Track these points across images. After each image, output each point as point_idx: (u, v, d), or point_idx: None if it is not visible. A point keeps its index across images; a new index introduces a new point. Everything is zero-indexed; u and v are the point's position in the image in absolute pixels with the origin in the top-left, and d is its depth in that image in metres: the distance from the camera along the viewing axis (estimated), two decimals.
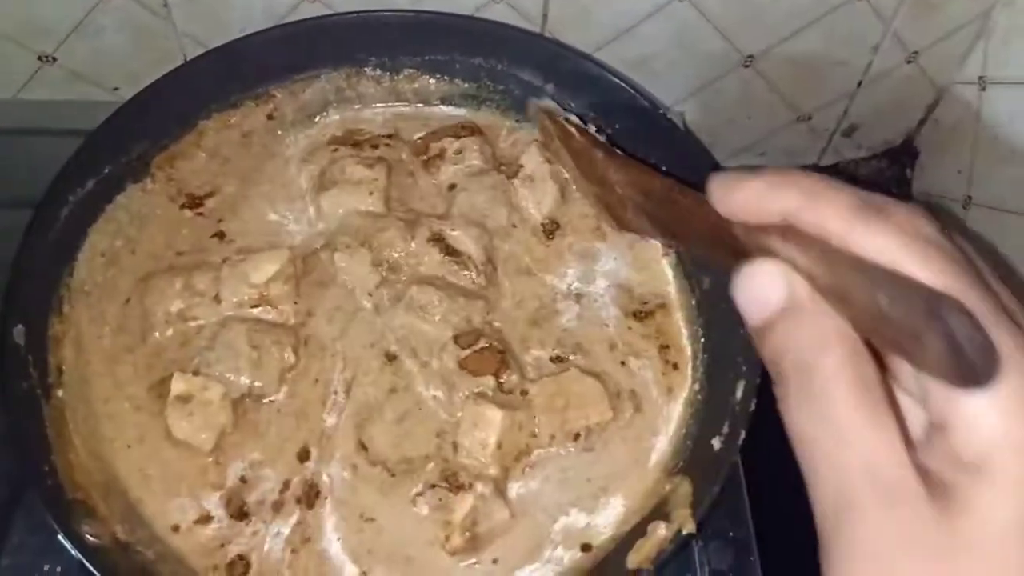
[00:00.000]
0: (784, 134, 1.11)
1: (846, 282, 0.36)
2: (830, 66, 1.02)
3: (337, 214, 0.83)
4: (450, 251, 0.82)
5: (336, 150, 0.87)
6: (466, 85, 0.90)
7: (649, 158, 0.85)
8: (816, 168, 1.15)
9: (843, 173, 1.15)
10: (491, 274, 0.83)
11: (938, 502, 0.32)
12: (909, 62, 1.02)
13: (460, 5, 0.92)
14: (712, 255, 0.45)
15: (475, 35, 0.87)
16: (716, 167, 0.81)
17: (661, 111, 0.83)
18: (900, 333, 0.34)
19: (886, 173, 1.15)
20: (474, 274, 0.81)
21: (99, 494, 0.69)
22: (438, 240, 0.82)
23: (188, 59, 0.97)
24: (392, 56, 0.89)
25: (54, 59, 0.97)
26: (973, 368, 0.32)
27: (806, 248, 0.38)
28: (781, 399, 0.37)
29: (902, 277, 0.35)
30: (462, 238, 0.82)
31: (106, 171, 0.81)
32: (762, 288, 0.37)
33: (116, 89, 1.01)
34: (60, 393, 0.73)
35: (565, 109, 0.80)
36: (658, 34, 0.97)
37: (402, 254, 0.82)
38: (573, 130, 0.74)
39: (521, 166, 0.86)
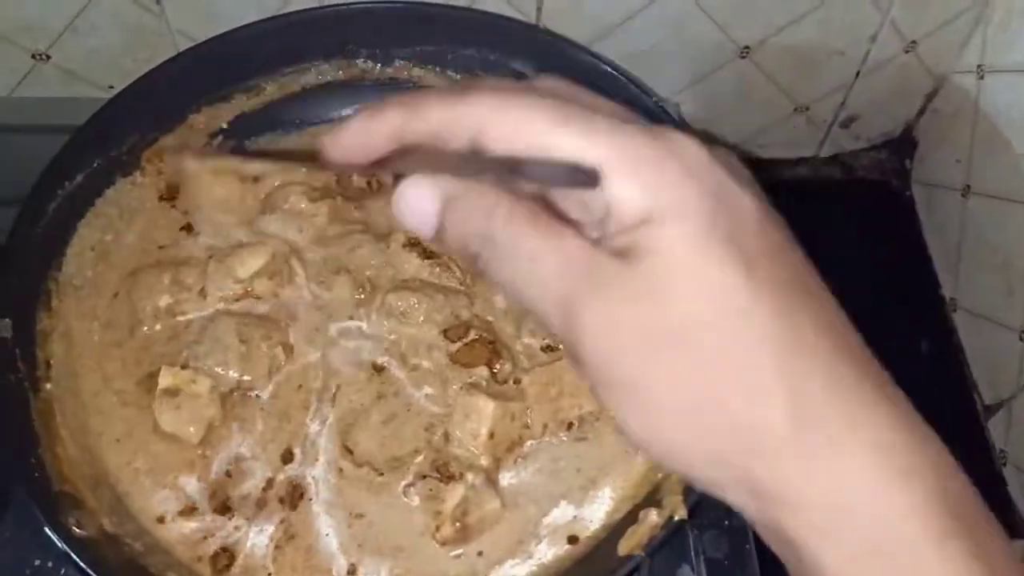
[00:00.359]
0: (782, 126, 1.10)
1: (459, 173, 0.38)
2: (827, 56, 1.02)
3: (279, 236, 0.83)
4: (428, 254, 0.81)
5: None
6: (459, 76, 0.90)
7: None
8: (815, 160, 1.14)
9: (843, 164, 1.15)
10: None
11: (629, 261, 0.35)
12: (907, 52, 1.02)
13: None
14: None
15: (467, 25, 0.87)
16: None
17: (655, 100, 0.83)
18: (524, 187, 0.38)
19: (885, 164, 1.14)
20: (459, 272, 0.81)
21: (87, 487, 0.69)
22: (414, 245, 0.81)
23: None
24: (384, 47, 0.89)
25: (48, 57, 0.97)
26: (581, 181, 0.35)
27: (422, 158, 0.39)
28: (488, 277, 0.39)
29: (486, 158, 0.37)
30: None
31: (95, 164, 0.81)
32: (418, 201, 0.39)
33: (111, 87, 1.01)
34: (48, 387, 0.73)
35: None
36: (653, 26, 0.96)
37: (379, 267, 0.81)
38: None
39: None
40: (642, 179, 0.35)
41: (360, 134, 0.40)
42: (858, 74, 1.04)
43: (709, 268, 0.35)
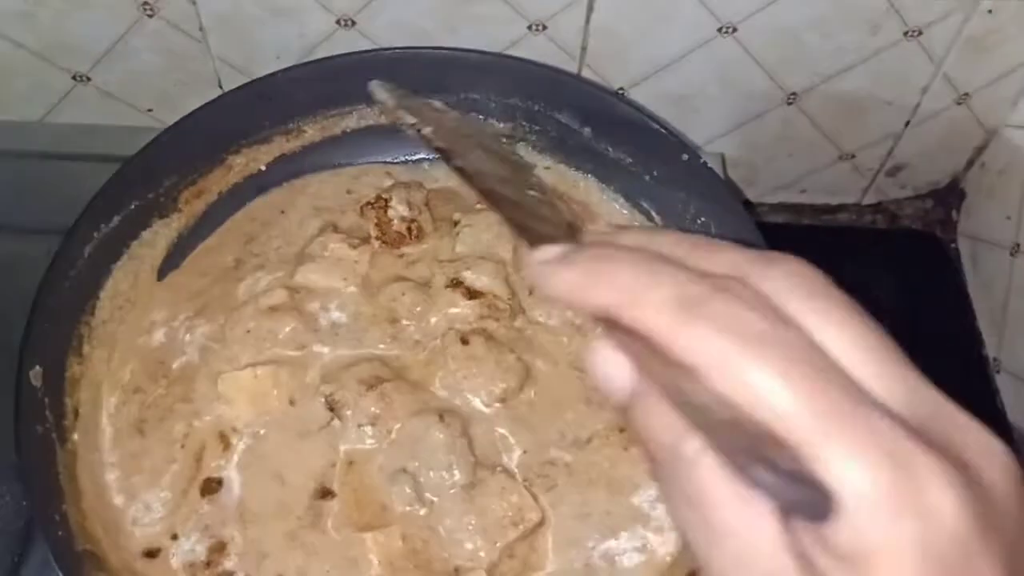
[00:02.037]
0: (826, 172, 1.08)
1: (675, 386, 0.33)
2: (876, 105, 0.99)
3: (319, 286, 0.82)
4: (472, 294, 0.80)
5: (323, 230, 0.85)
6: (501, 125, 0.89)
7: (688, 206, 0.84)
8: (858, 207, 1.12)
9: (886, 212, 1.12)
10: (517, 308, 0.81)
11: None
12: (959, 103, 0.99)
13: (499, 37, 0.90)
14: None
15: (512, 75, 0.86)
16: (750, 221, 0.79)
17: (701, 161, 0.81)
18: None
19: (931, 215, 1.12)
20: (506, 315, 0.79)
21: (108, 545, 0.68)
22: (456, 284, 0.80)
23: (221, 82, 0.96)
24: (427, 94, 0.87)
25: (88, 79, 0.97)
26: (810, 508, 0.31)
27: (636, 340, 0.35)
28: (658, 481, 0.35)
29: (725, 406, 0.32)
30: (479, 276, 0.80)
31: (133, 206, 0.80)
32: (607, 373, 0.36)
33: (149, 110, 1.01)
34: (75, 437, 0.72)
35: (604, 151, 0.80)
36: (699, 70, 0.95)
37: (421, 314, 0.80)
38: None
39: None
40: (872, 522, 0.31)
41: (576, 288, 0.36)
42: (907, 124, 1.02)
43: None
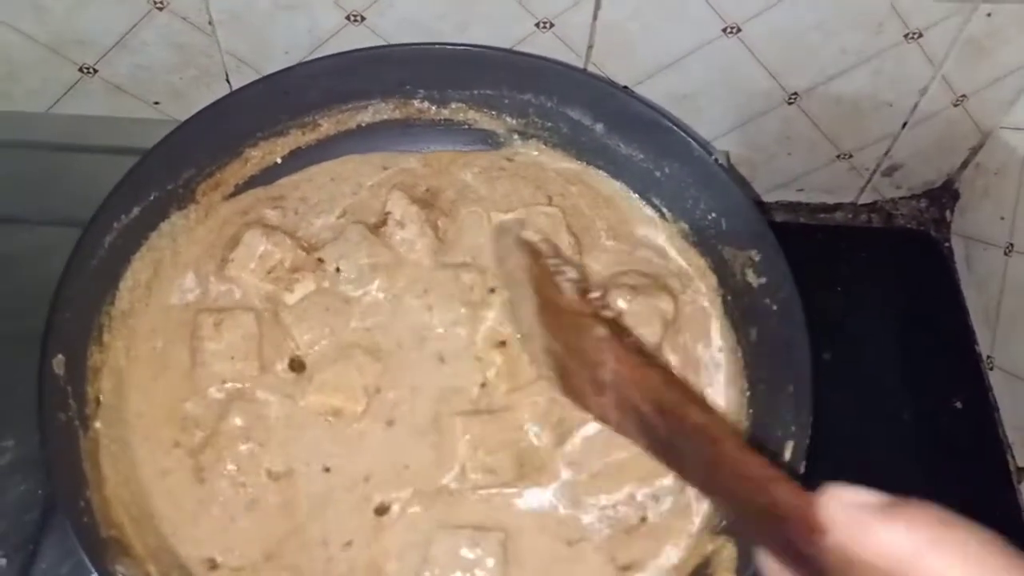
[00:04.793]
0: (824, 171, 1.10)
1: None
2: (876, 106, 1.01)
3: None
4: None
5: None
6: (513, 121, 0.90)
7: (698, 202, 0.85)
8: (854, 206, 1.14)
9: (882, 212, 1.14)
10: None
11: None
12: (956, 105, 1.01)
13: (507, 34, 0.91)
14: (728, 507, 0.44)
15: (525, 71, 0.87)
16: (761, 218, 0.80)
17: (713, 158, 0.82)
18: None
19: (926, 214, 1.14)
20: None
21: (133, 530, 0.68)
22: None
23: (229, 77, 0.97)
24: (441, 89, 0.88)
25: (95, 71, 0.97)
26: None
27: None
28: None
29: None
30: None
31: (152, 198, 0.80)
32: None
33: (156, 103, 1.01)
34: (97, 425, 0.72)
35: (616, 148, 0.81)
36: (703, 69, 0.96)
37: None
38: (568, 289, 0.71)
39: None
40: None
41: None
42: (905, 125, 1.03)
43: None
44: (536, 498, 0.74)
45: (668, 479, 0.75)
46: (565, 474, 0.75)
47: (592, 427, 0.76)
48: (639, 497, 0.75)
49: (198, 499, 0.73)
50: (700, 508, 0.75)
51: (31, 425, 0.67)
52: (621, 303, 0.79)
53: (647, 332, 0.79)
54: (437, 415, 0.77)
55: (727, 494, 0.44)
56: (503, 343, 0.80)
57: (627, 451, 0.75)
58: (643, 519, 0.74)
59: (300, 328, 0.79)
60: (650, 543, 0.73)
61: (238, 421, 0.75)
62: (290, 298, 0.81)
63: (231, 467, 0.74)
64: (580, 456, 0.76)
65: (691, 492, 0.75)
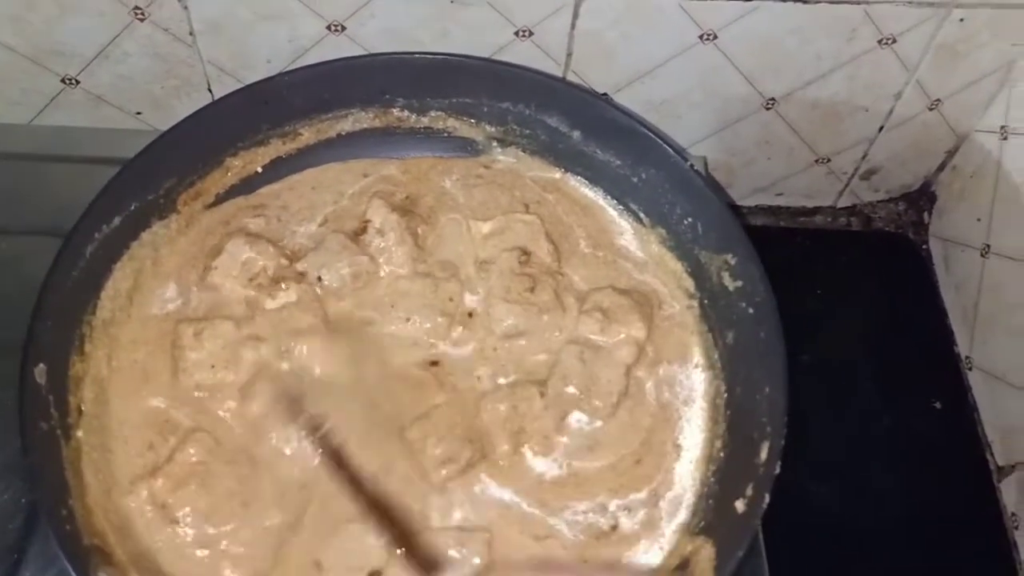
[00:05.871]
0: (802, 175, 1.11)
1: None
2: (852, 111, 1.02)
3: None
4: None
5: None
6: (492, 128, 0.91)
7: (675, 208, 0.86)
8: (833, 209, 1.15)
9: (860, 215, 1.15)
10: None
11: None
12: (931, 109, 1.02)
13: (486, 42, 0.92)
14: None
15: (503, 80, 0.87)
16: (736, 222, 0.81)
17: (689, 164, 0.83)
18: None
19: (903, 217, 1.15)
20: None
21: (115, 538, 0.69)
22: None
23: (211, 86, 0.97)
24: (420, 97, 0.89)
25: (77, 81, 0.97)
26: None
27: None
28: None
29: None
30: None
31: (132, 207, 0.81)
32: None
33: (138, 114, 1.01)
34: (79, 434, 0.73)
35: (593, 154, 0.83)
36: (681, 76, 0.97)
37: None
38: None
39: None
40: None
41: None
42: (881, 129, 1.04)
43: None
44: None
45: (642, 493, 0.77)
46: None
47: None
48: (611, 507, 0.76)
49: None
50: (672, 521, 0.76)
51: (13, 433, 0.67)
52: (591, 334, 0.82)
53: (620, 355, 0.81)
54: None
55: None
56: None
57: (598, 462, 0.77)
58: (614, 527, 0.75)
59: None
60: (621, 548, 0.75)
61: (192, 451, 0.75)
62: (271, 304, 0.81)
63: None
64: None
65: (663, 505, 0.76)
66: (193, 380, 0.77)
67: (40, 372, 0.70)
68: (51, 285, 0.73)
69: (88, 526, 0.68)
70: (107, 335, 0.79)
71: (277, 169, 0.89)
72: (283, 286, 0.82)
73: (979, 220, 1.04)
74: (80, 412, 0.74)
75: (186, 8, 0.89)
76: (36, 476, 0.66)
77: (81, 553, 0.65)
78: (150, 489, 0.72)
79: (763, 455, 0.71)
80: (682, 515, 0.75)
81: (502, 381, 0.81)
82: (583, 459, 0.78)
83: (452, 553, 0.71)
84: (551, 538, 0.74)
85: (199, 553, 0.71)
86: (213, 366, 0.78)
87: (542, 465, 0.77)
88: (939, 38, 0.93)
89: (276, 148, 0.89)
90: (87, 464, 0.72)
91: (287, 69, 0.92)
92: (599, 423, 0.79)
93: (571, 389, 0.80)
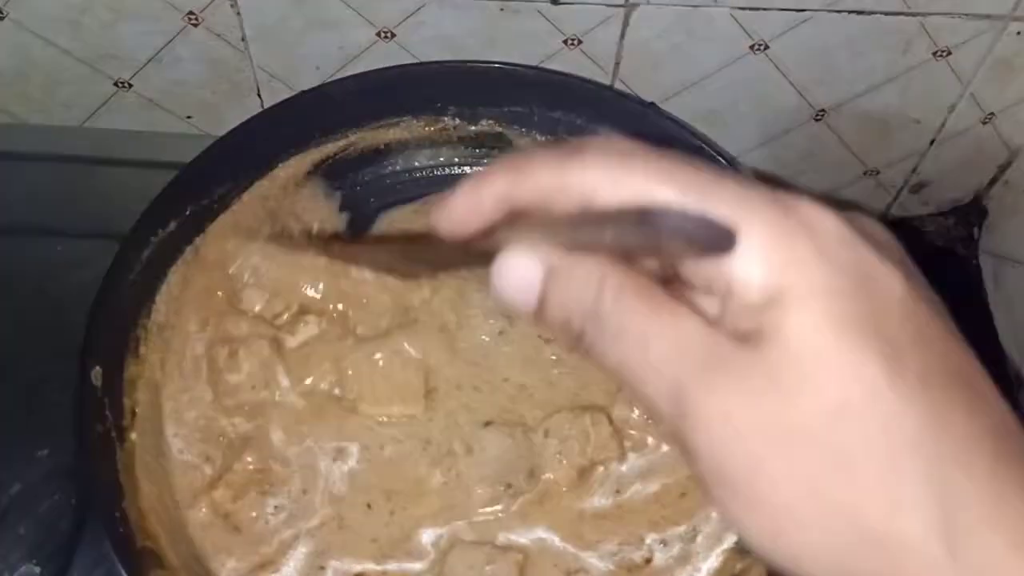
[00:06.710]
0: (850, 188, 1.10)
1: (574, 235, 0.36)
2: (903, 124, 1.01)
3: None
4: None
5: None
6: (543, 138, 0.91)
7: None
8: (883, 221, 1.14)
9: (909, 228, 1.14)
10: None
11: (751, 346, 0.33)
12: (984, 123, 1.01)
13: (535, 50, 0.92)
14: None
15: (555, 89, 0.87)
16: None
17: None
18: (645, 250, 0.36)
19: (953, 231, 1.14)
20: None
21: (167, 542, 0.69)
22: None
23: (260, 92, 0.98)
24: (471, 106, 0.89)
25: (130, 85, 0.98)
26: (715, 243, 0.33)
27: (529, 223, 0.38)
28: (595, 357, 0.36)
29: (607, 212, 0.35)
30: None
31: (187, 212, 0.81)
32: (517, 273, 0.37)
33: (188, 118, 1.02)
34: (133, 437, 0.73)
35: None
36: (730, 86, 0.96)
37: None
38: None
39: None
40: (770, 254, 0.33)
41: (467, 201, 0.39)
42: (932, 142, 1.03)
43: (844, 358, 0.32)
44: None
45: (682, 527, 0.76)
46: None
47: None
48: (648, 540, 0.76)
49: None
50: (707, 557, 0.75)
51: (65, 436, 0.68)
52: None
53: None
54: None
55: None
56: None
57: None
58: (648, 560, 0.75)
59: None
60: None
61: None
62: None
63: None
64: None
65: (700, 540, 0.75)
66: (235, 401, 0.78)
67: (96, 375, 0.71)
68: (109, 288, 0.73)
69: (141, 529, 0.68)
70: (161, 338, 0.79)
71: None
72: None
73: None
74: (134, 414, 0.75)
75: (239, 14, 0.90)
76: (91, 478, 0.67)
77: (134, 556, 0.66)
78: (211, 501, 0.72)
79: None
80: (727, 540, 0.74)
81: None
82: (632, 487, 0.77)
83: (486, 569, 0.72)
84: (581, 572, 0.74)
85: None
86: (254, 387, 0.78)
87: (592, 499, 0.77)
88: (995, 52, 0.92)
89: (327, 154, 0.89)
90: (140, 467, 0.72)
91: (335, 75, 0.92)
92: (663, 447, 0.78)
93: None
